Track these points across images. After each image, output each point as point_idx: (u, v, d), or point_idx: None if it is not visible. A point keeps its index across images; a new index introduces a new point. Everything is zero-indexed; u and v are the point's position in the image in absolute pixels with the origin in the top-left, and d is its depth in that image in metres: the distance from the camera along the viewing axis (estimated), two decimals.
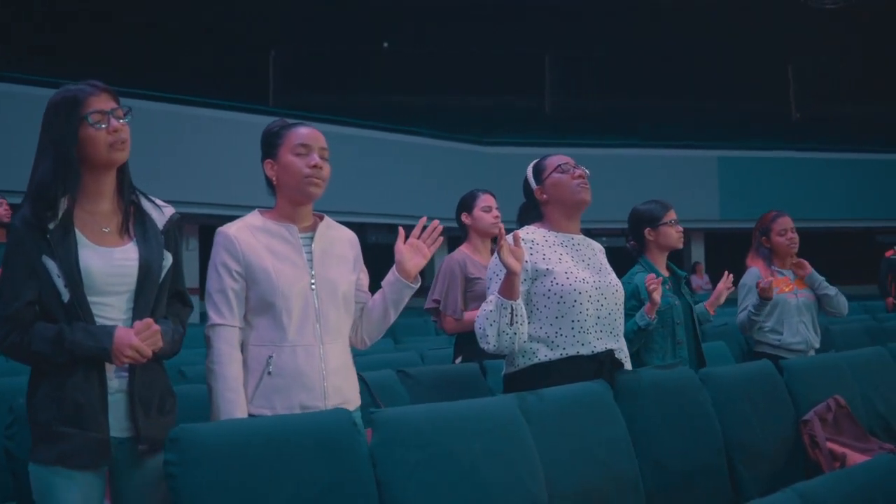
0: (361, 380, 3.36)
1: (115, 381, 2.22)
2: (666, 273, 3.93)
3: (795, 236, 4.61)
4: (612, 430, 2.86)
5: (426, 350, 5.27)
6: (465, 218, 4.21)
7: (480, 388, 3.63)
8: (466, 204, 4.22)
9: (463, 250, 4.18)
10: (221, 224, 2.60)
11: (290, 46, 17.77)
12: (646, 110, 18.87)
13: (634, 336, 3.53)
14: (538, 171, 3.13)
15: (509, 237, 2.78)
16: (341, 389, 2.55)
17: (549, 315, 2.93)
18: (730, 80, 18.91)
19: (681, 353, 3.76)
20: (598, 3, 16.87)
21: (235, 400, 2.43)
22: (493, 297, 2.82)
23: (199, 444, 2.14)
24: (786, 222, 4.62)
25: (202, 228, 12.99)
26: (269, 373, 2.47)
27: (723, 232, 16.72)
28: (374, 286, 2.74)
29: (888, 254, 9.72)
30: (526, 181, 3.16)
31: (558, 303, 2.92)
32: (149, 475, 2.27)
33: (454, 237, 4.28)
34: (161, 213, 2.38)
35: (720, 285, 4.22)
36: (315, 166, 2.55)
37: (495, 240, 3.97)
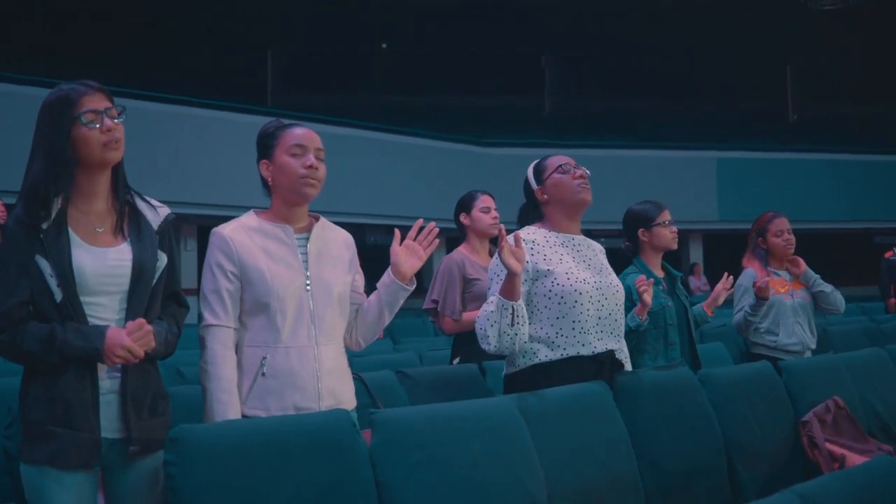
0: (360, 380, 3.37)
1: (107, 382, 2.22)
2: (661, 274, 3.92)
3: (792, 237, 4.61)
4: (612, 430, 2.87)
5: (425, 351, 5.28)
6: (463, 218, 4.21)
7: (479, 389, 3.63)
8: (465, 204, 4.22)
9: (461, 251, 4.18)
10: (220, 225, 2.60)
11: (288, 46, 17.76)
12: (645, 111, 18.86)
13: (625, 337, 3.53)
14: (539, 172, 3.13)
15: (510, 238, 2.78)
16: (335, 391, 2.55)
17: (550, 315, 2.93)
18: (729, 81, 18.91)
19: (673, 354, 3.76)
20: (598, 4, 16.86)
21: (229, 401, 2.43)
22: (493, 298, 2.82)
23: (199, 444, 2.14)
24: (782, 223, 4.62)
25: (201, 229, 12.98)
26: (263, 374, 2.47)
27: (721, 233, 16.70)
28: (373, 287, 2.74)
29: (888, 255, 9.74)
30: (526, 181, 3.17)
31: (559, 303, 2.92)
32: (142, 476, 2.27)
33: (453, 238, 4.28)
34: (156, 214, 2.38)
35: (718, 286, 4.22)
36: (310, 167, 2.55)
37: (494, 240, 3.99)
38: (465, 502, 2.38)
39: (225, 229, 2.54)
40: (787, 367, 3.70)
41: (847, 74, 19.11)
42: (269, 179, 2.60)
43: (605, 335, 2.99)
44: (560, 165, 3.08)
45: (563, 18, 17.34)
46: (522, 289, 2.86)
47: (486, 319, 2.81)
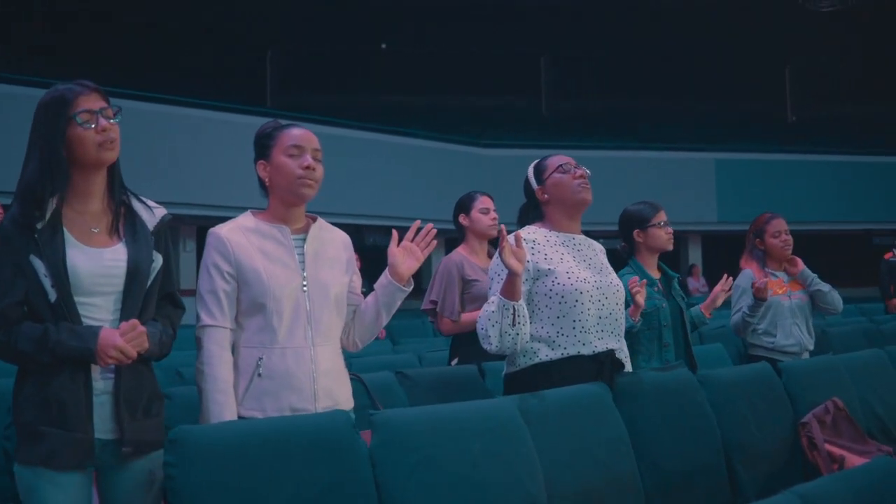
0: (360, 381, 3.37)
1: (101, 383, 2.21)
2: (657, 275, 3.92)
3: (790, 238, 4.61)
4: (612, 431, 2.87)
5: (424, 352, 5.28)
6: (462, 219, 4.21)
7: (479, 390, 3.63)
8: (464, 205, 4.22)
9: (460, 252, 4.18)
10: None
11: (288, 46, 17.76)
12: (644, 111, 18.87)
13: None
14: (539, 171, 3.13)
15: (511, 238, 2.78)
16: (332, 392, 2.55)
17: (551, 315, 2.94)
18: (728, 82, 18.92)
19: (667, 356, 3.75)
20: (598, 4, 16.87)
21: (225, 402, 2.43)
22: (494, 298, 2.82)
23: (199, 445, 2.14)
24: (780, 224, 4.62)
25: (200, 230, 12.98)
26: (259, 375, 2.46)
27: (720, 234, 16.70)
28: (373, 288, 2.74)
29: (887, 256, 9.74)
30: (527, 181, 3.17)
31: (560, 303, 2.92)
32: (136, 477, 2.27)
33: (451, 239, 4.28)
34: (152, 214, 2.37)
35: (717, 288, 4.21)
36: (308, 167, 2.54)
37: (494, 242, 3.99)
38: (465, 502, 2.38)
39: (222, 230, 2.54)
40: (787, 368, 3.70)
41: (846, 75, 19.12)
42: (267, 180, 2.60)
43: (606, 335, 2.99)
44: (560, 165, 3.09)
45: (563, 19, 17.36)
46: (523, 288, 2.86)
47: (488, 319, 2.81)
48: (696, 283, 15.45)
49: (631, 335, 3.57)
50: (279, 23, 16.76)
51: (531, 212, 3.17)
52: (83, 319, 2.18)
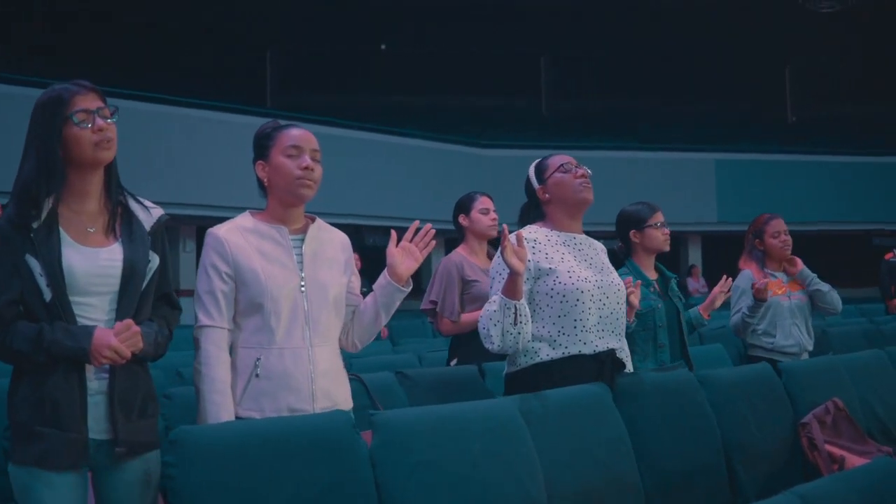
0: (360, 381, 3.37)
1: (96, 383, 2.20)
2: (653, 275, 3.91)
3: (789, 239, 4.60)
4: (612, 431, 2.87)
5: (424, 352, 5.29)
6: (462, 220, 4.20)
7: (479, 390, 3.63)
8: (464, 206, 4.22)
9: (460, 252, 4.18)
10: None
11: (288, 47, 17.77)
12: (643, 112, 18.88)
13: None
14: (540, 171, 3.13)
15: (512, 237, 2.77)
16: (330, 392, 2.54)
17: (552, 314, 2.93)
18: (728, 82, 18.93)
19: (662, 356, 3.75)
20: (598, 4, 16.87)
21: (222, 402, 2.42)
22: (496, 298, 2.82)
23: (199, 445, 2.14)
24: (779, 225, 4.61)
25: (200, 230, 12.98)
26: (257, 375, 2.46)
27: (720, 235, 16.71)
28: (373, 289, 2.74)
29: (888, 256, 9.74)
30: (528, 181, 3.17)
31: (561, 302, 2.92)
32: (131, 478, 2.26)
33: (451, 239, 4.28)
34: (149, 215, 2.36)
35: (715, 289, 4.19)
36: (306, 168, 2.54)
37: (493, 242, 3.99)
38: (466, 503, 2.38)
39: (220, 230, 2.54)
40: (787, 369, 3.70)
41: (846, 75, 19.13)
42: (265, 180, 2.60)
43: (607, 334, 2.99)
44: (562, 165, 3.09)
45: (563, 19, 17.36)
46: (524, 287, 2.86)
47: (489, 319, 2.81)
48: (695, 283, 15.45)
49: (626, 335, 3.57)
50: (279, 23, 16.77)
51: (532, 211, 3.17)
52: (78, 319, 2.17)
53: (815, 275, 4.61)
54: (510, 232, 2.80)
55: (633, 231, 3.91)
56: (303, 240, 2.59)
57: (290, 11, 16.32)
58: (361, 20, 16.92)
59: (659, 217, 3.92)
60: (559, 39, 18.27)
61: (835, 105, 19.56)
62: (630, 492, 2.82)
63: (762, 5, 16.98)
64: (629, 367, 3.13)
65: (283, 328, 2.48)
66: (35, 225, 2.17)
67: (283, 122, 2.67)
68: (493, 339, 2.81)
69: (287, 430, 2.29)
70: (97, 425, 2.19)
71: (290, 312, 2.49)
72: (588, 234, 3.18)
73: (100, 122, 2.22)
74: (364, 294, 2.74)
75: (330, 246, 2.65)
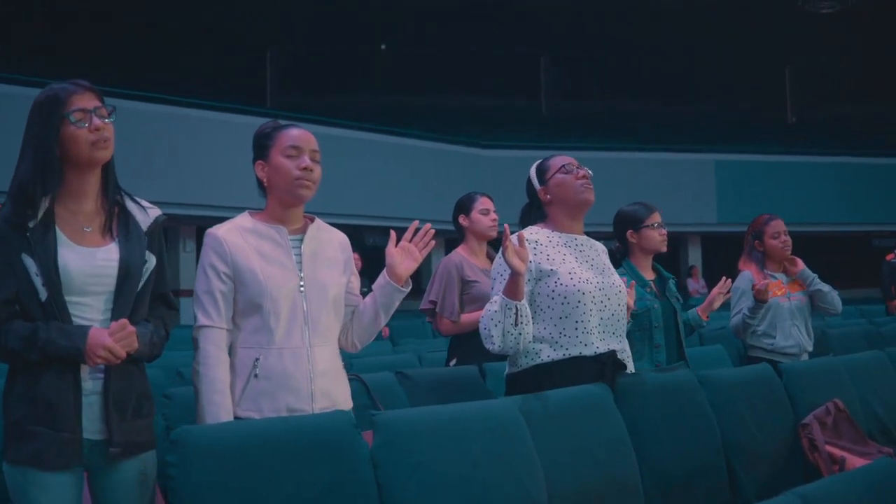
0: (360, 382, 3.37)
1: (90, 383, 2.20)
2: (651, 276, 3.91)
3: (788, 239, 4.60)
4: (612, 431, 2.87)
5: (424, 352, 5.28)
6: (462, 220, 4.20)
7: (479, 391, 3.63)
8: (464, 206, 4.22)
9: (460, 252, 4.18)
10: None
11: (288, 47, 17.77)
12: (643, 112, 18.89)
13: None
14: (541, 172, 3.13)
15: (514, 237, 2.77)
16: (329, 392, 2.54)
17: (553, 315, 2.93)
18: (728, 82, 18.94)
19: (658, 357, 3.74)
20: (598, 4, 16.87)
21: (221, 402, 2.42)
22: (497, 298, 2.81)
23: (200, 445, 2.14)
24: (778, 225, 4.61)
25: (200, 230, 12.98)
26: (256, 375, 2.46)
27: (720, 236, 16.70)
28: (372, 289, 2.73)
29: (889, 257, 9.75)
30: (529, 181, 3.16)
31: (562, 303, 2.92)
32: (127, 478, 2.26)
33: (451, 239, 4.27)
34: (146, 215, 2.36)
35: (714, 290, 4.19)
36: (306, 168, 2.54)
37: (493, 242, 3.98)
38: (466, 503, 2.38)
39: (219, 230, 2.53)
40: (787, 370, 3.70)
41: (846, 75, 19.14)
42: (265, 180, 2.59)
43: (608, 335, 2.99)
44: (563, 165, 3.09)
45: (563, 19, 17.36)
46: (525, 288, 2.86)
47: (490, 319, 2.81)
48: (695, 284, 15.46)
49: None
50: (279, 23, 16.77)
51: (533, 212, 3.17)
52: (74, 319, 2.17)
53: (815, 275, 4.61)
54: (512, 233, 2.79)
55: (630, 231, 3.90)
56: (302, 240, 2.59)
57: (290, 11, 16.32)
58: (361, 20, 16.91)
59: (656, 217, 3.91)
60: (559, 39, 18.27)
61: (835, 105, 19.56)
62: (630, 492, 2.82)
63: (762, 5, 16.98)
64: (630, 369, 3.13)
65: (283, 328, 2.48)
66: (31, 224, 2.16)
67: (282, 123, 2.67)
68: (494, 340, 2.81)
69: (288, 430, 2.29)
70: (92, 425, 2.19)
71: (289, 312, 2.49)
72: (588, 234, 3.18)
73: (97, 121, 2.21)
74: (364, 294, 2.74)
75: (329, 246, 2.65)
